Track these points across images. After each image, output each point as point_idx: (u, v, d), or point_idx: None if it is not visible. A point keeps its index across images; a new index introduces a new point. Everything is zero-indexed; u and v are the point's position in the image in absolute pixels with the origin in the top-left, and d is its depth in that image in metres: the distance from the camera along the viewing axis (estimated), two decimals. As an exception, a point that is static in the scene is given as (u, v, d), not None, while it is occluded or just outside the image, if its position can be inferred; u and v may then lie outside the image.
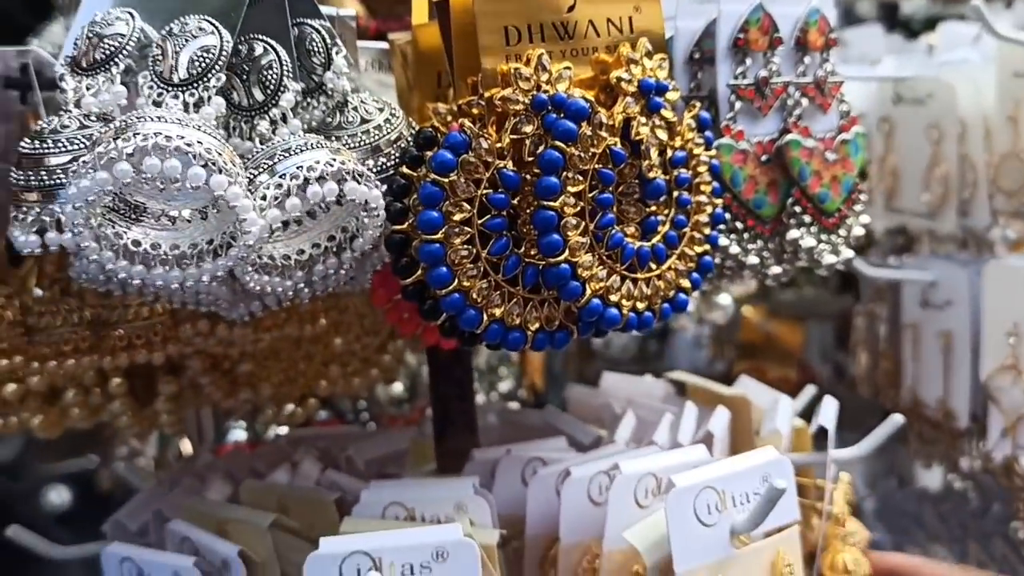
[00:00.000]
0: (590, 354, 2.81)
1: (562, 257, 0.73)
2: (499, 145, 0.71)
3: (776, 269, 0.91)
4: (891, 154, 1.50)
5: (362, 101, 0.76)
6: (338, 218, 0.73)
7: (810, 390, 1.30)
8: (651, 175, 0.75)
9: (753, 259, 0.89)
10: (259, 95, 0.73)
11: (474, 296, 0.72)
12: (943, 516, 1.54)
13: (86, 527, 1.05)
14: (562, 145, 0.71)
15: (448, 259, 0.71)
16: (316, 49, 0.75)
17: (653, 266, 0.78)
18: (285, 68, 0.73)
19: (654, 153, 0.75)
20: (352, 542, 0.74)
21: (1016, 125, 1.32)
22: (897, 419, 1.01)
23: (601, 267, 0.75)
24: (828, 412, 1.03)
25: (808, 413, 1.25)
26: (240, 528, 0.89)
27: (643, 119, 0.75)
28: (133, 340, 0.92)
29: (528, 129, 0.71)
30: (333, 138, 0.73)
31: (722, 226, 0.85)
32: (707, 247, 0.81)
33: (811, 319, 2.23)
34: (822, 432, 1.06)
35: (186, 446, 1.74)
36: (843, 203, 0.93)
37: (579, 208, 0.73)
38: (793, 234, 0.90)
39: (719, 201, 0.82)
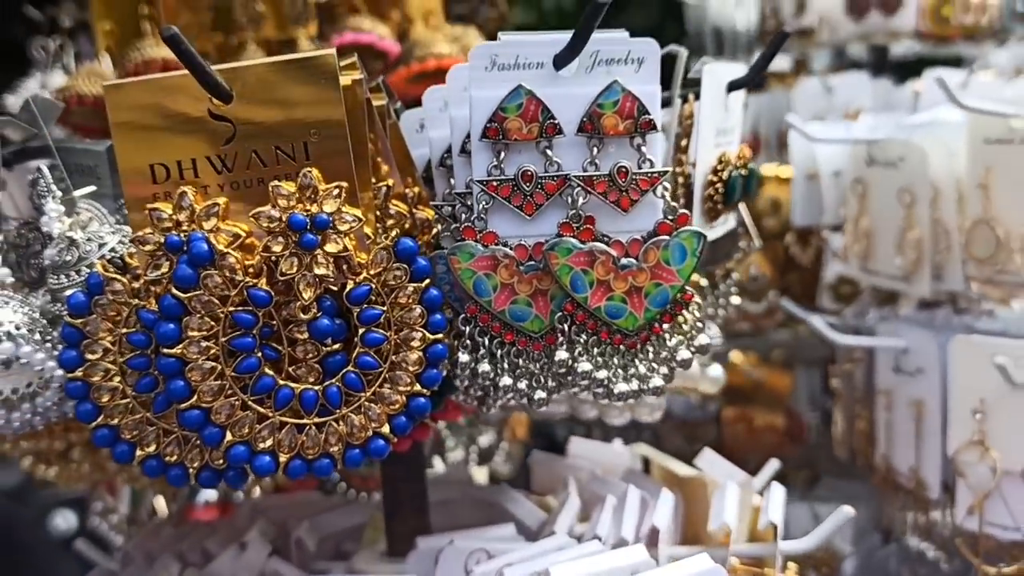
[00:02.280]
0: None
1: (191, 403, 0.71)
2: (134, 286, 0.73)
3: (541, 394, 0.78)
4: (864, 216, 1.48)
5: (89, 234, 0.78)
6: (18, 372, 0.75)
7: (773, 464, 1.28)
8: (307, 316, 0.72)
9: (506, 380, 0.78)
10: None
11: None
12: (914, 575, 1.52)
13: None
14: (177, 292, 0.70)
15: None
16: (39, 193, 0.78)
17: (340, 410, 0.74)
18: None
19: (307, 292, 0.71)
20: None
21: (987, 192, 1.30)
22: (847, 511, 0.99)
23: (246, 412, 0.73)
24: (775, 502, 1.01)
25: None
26: None
27: (293, 258, 0.71)
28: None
29: (164, 269, 0.71)
30: (72, 273, 0.75)
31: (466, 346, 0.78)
32: (417, 387, 0.76)
33: (799, 365, 2.21)
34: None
35: (159, 503, 1.74)
36: (653, 319, 0.78)
37: (213, 352, 0.71)
38: (560, 355, 0.77)
39: (438, 336, 0.76)
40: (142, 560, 1.11)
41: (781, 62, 2.50)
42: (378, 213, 0.78)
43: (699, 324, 0.82)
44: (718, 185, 0.93)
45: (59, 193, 0.78)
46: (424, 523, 1.10)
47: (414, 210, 0.82)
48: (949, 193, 1.36)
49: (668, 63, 1.00)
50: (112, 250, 0.76)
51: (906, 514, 1.44)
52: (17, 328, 0.72)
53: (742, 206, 1.15)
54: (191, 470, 0.74)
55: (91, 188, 0.82)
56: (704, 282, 1.17)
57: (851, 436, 1.58)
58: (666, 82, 0.98)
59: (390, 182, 0.79)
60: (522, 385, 0.79)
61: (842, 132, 1.53)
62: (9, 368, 0.75)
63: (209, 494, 1.67)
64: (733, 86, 0.96)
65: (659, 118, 0.78)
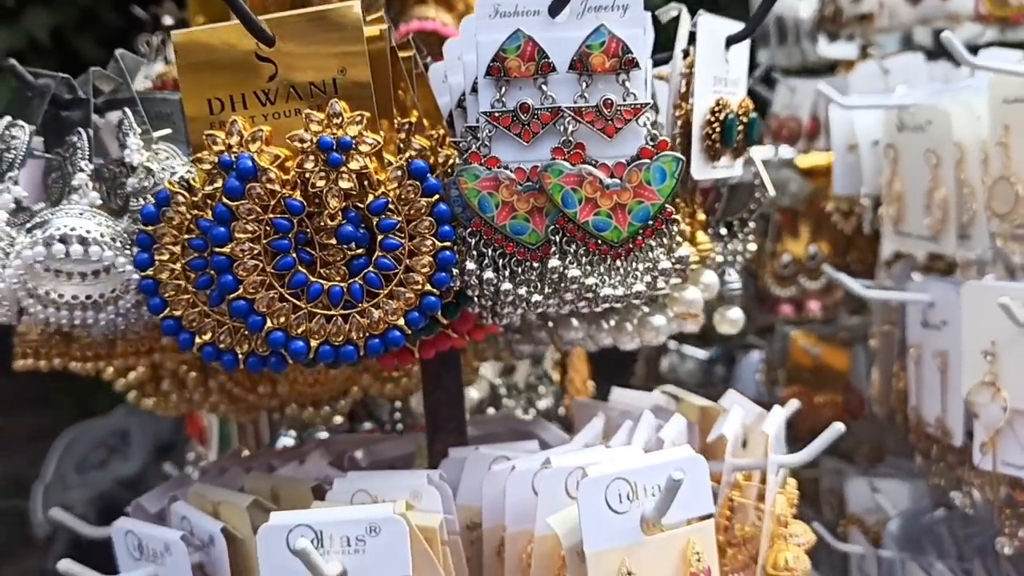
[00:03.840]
0: (658, 377, 2.89)
1: (237, 294, 0.85)
2: (194, 199, 0.88)
3: (538, 297, 0.90)
4: (896, 180, 1.55)
5: (164, 164, 0.93)
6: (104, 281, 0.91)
7: (793, 404, 1.36)
8: (334, 223, 0.86)
9: (507, 286, 0.89)
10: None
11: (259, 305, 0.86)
12: (953, 533, 1.57)
13: (17, 565, 1.19)
14: (227, 202, 0.84)
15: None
16: (123, 131, 0.93)
17: (362, 304, 0.87)
18: (81, 152, 0.93)
19: (333, 202, 0.85)
20: (297, 516, 0.86)
21: (1007, 150, 1.35)
22: (838, 427, 1.07)
23: (284, 304, 0.86)
24: (773, 419, 1.10)
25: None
26: (227, 509, 1.02)
27: (322, 173, 0.85)
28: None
29: (218, 184, 0.86)
30: (149, 196, 0.91)
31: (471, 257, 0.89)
32: (428, 287, 0.88)
33: (858, 344, 2.26)
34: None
35: (244, 451, 1.91)
36: (636, 233, 0.89)
37: (256, 252, 0.85)
38: (553, 263, 0.88)
39: (446, 244, 0.88)
40: (216, 473, 1.26)
41: (847, 49, 2.55)
42: (400, 145, 0.91)
43: (679, 239, 0.92)
44: (715, 125, 1.03)
45: (140, 130, 0.93)
46: (463, 443, 1.22)
47: (439, 148, 0.95)
48: (974, 154, 1.42)
49: (674, 23, 1.11)
50: (181, 177, 0.90)
51: (939, 465, 1.50)
52: (102, 236, 0.88)
53: (757, 159, 1.25)
54: (240, 355, 0.88)
55: (167, 131, 0.98)
56: (724, 230, 1.28)
57: (889, 395, 1.64)
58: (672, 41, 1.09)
59: (413, 118, 0.92)
60: (521, 291, 0.90)
61: (874, 100, 1.60)
62: (98, 277, 0.90)
63: (287, 441, 1.84)
64: (732, 40, 1.07)
65: (643, 58, 0.89)
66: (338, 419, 1.95)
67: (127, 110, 0.95)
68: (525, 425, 1.33)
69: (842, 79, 2.29)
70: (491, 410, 1.82)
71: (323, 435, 1.79)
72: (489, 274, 0.90)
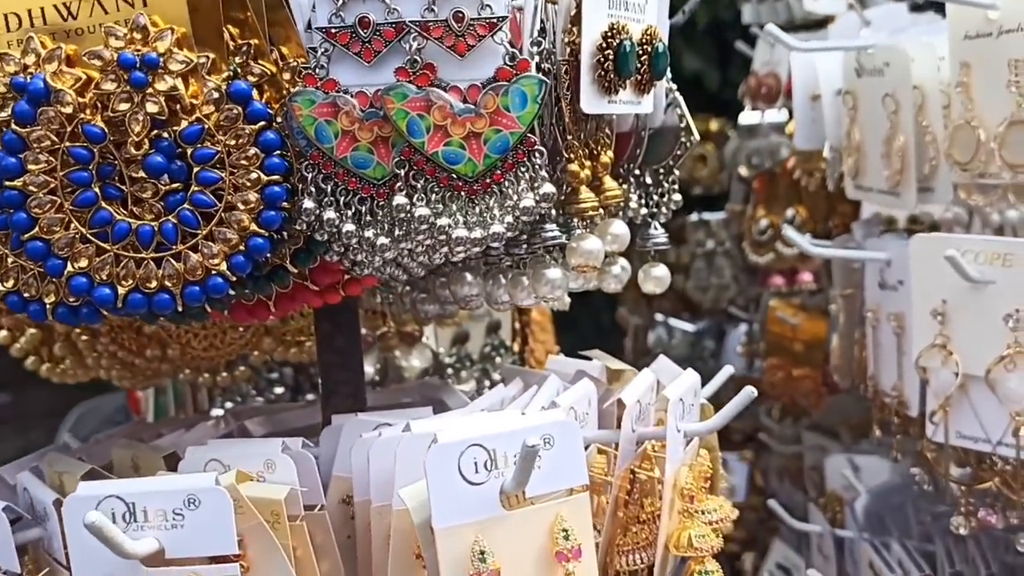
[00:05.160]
0: (647, 351, 2.79)
1: (32, 234, 0.75)
2: None
3: (383, 240, 0.80)
4: (855, 129, 1.43)
5: None
6: None
7: (728, 369, 1.24)
8: (140, 152, 0.75)
9: (350, 226, 0.80)
10: None
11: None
12: (919, 514, 1.45)
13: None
14: (18, 128, 0.74)
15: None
16: None
17: (176, 246, 0.77)
18: None
19: (137, 128, 0.75)
20: (105, 487, 0.77)
21: (967, 91, 1.23)
22: (750, 391, 0.96)
23: (86, 245, 0.76)
24: (680, 383, 0.99)
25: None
26: (68, 480, 0.93)
27: (124, 95, 0.74)
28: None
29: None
30: None
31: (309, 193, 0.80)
32: (254, 227, 0.78)
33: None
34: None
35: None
36: (493, 166, 0.79)
37: (52, 186, 0.75)
38: (398, 200, 0.78)
39: (274, 177, 0.78)
40: (107, 443, 1.17)
41: (834, 4, 2.41)
42: (238, 69, 0.80)
43: (543, 173, 0.81)
44: (608, 52, 0.92)
45: None
46: (359, 410, 1.12)
47: (297, 79, 0.84)
48: (935, 98, 1.30)
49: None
50: None
51: (898, 438, 1.38)
52: None
53: (681, 102, 1.13)
54: (48, 305, 0.78)
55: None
56: (648, 180, 1.17)
57: (851, 363, 1.52)
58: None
59: (254, 41, 0.82)
60: (367, 233, 0.80)
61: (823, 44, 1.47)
62: None
63: (218, 412, 1.75)
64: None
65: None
66: (279, 390, 1.88)
67: None
68: (434, 392, 1.23)
69: (824, 33, 2.16)
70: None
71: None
72: (330, 213, 0.80)
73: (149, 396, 1.86)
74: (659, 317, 2.82)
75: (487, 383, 1.90)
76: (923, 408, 1.27)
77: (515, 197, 0.80)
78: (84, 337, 1.24)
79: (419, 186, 0.79)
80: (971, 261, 1.10)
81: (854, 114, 1.42)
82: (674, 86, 1.12)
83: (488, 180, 0.80)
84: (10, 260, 0.78)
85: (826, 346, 2.17)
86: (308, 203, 0.80)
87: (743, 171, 2.32)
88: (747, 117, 2.34)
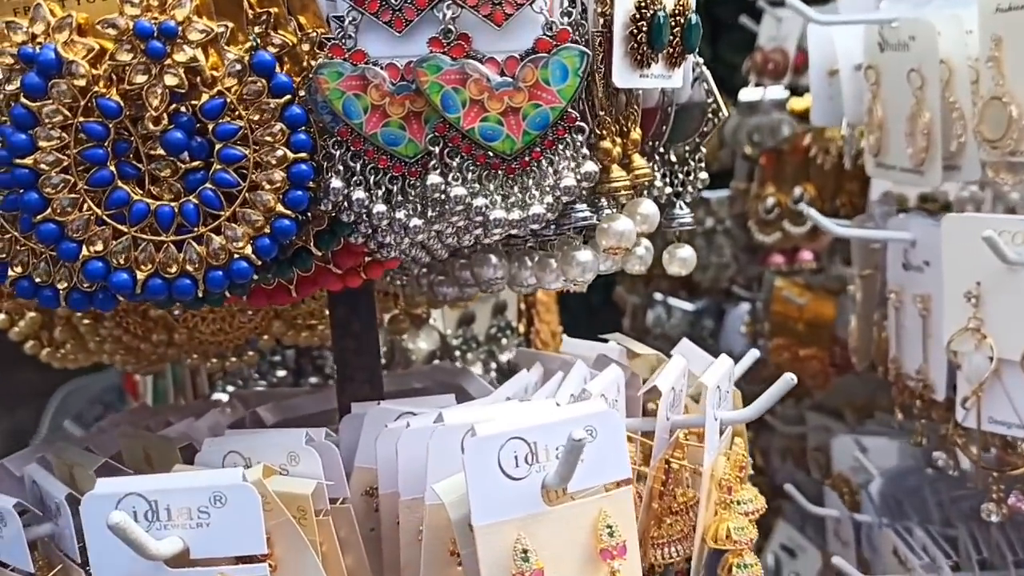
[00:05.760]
0: (645, 331, 2.75)
1: (45, 215, 0.70)
2: None
3: (416, 221, 0.75)
4: (878, 105, 1.39)
5: None
6: None
7: (753, 353, 1.21)
8: (158, 128, 0.70)
9: (381, 207, 0.75)
10: None
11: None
12: (939, 498, 1.43)
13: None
14: (28, 102, 0.69)
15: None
16: None
17: (198, 228, 0.72)
18: None
19: (155, 102, 0.70)
20: (126, 484, 0.72)
21: (999, 66, 1.19)
22: (789, 378, 0.92)
23: (102, 227, 0.71)
24: (716, 369, 0.95)
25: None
26: (80, 472, 0.88)
27: (141, 67, 0.69)
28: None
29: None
30: None
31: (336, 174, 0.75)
32: (280, 208, 0.73)
33: (846, 293, 2.11)
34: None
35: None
36: (532, 143, 0.74)
37: (65, 164, 0.70)
38: (432, 179, 0.74)
39: (301, 155, 0.73)
40: (106, 430, 1.13)
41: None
42: (258, 40, 0.76)
43: (585, 151, 0.77)
44: (641, 24, 0.87)
45: None
46: (377, 397, 1.08)
47: (317, 51, 0.80)
48: (962, 73, 1.26)
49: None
50: None
51: (921, 422, 1.35)
52: None
53: (708, 76, 1.09)
54: (61, 291, 0.74)
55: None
56: (673, 157, 1.12)
57: (870, 345, 1.49)
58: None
59: (273, 10, 0.77)
60: (399, 214, 0.76)
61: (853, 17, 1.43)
62: None
63: (222, 396, 1.71)
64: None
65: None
66: (281, 373, 1.83)
67: None
68: (452, 377, 1.19)
69: (834, 7, 2.12)
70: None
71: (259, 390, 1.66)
72: (359, 193, 0.75)
73: (147, 379, 1.81)
74: (657, 296, 2.79)
75: (494, 365, 1.86)
76: (949, 392, 1.24)
77: (555, 176, 0.76)
78: (86, 321, 1.19)
79: (454, 164, 0.75)
80: (1008, 241, 1.07)
81: (876, 90, 1.38)
82: (700, 60, 1.08)
83: (527, 158, 0.75)
84: (20, 244, 0.73)
85: (833, 326, 2.15)
86: (336, 182, 0.75)
87: (747, 149, 2.28)
88: (748, 94, 2.30)
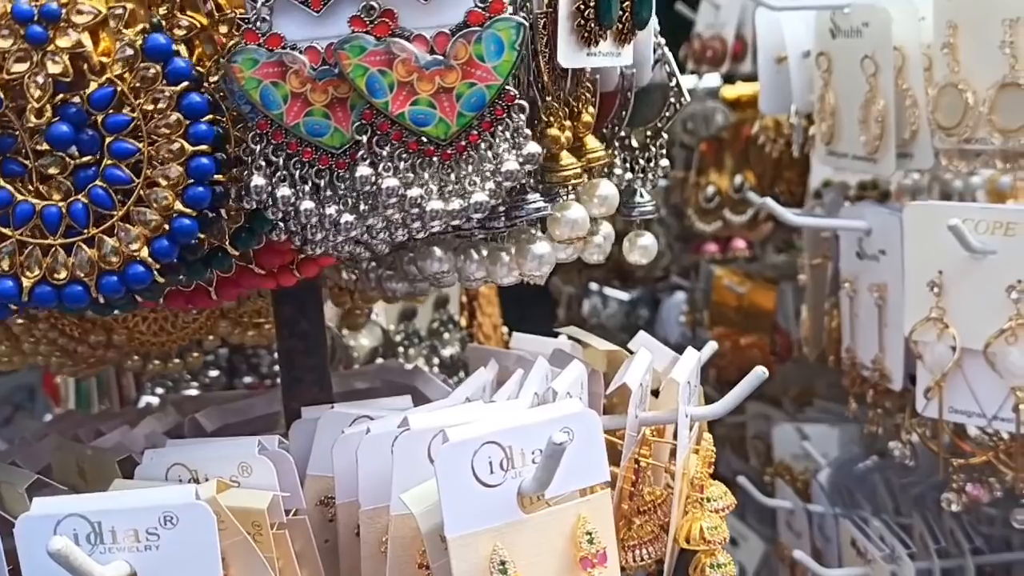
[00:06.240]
0: (581, 322, 2.72)
1: None
2: None
3: (348, 217, 0.70)
4: (829, 93, 1.37)
5: None
6: None
7: (712, 345, 1.18)
8: (41, 120, 0.64)
9: (309, 204, 0.69)
10: None
11: None
12: (890, 487, 1.42)
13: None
14: None
15: None
16: None
17: (89, 230, 0.67)
18: None
19: (37, 92, 0.64)
20: (66, 504, 0.66)
21: (954, 52, 1.19)
22: (760, 372, 0.90)
23: None
24: (684, 364, 0.92)
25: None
26: (7, 491, 0.81)
27: (20, 54, 0.63)
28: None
29: None
30: None
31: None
32: (179, 206, 0.67)
33: (785, 282, 2.10)
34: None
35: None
36: (468, 125, 0.69)
37: None
38: (362, 171, 0.68)
39: (202, 147, 0.67)
40: (32, 441, 1.05)
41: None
42: (161, 22, 0.69)
43: (526, 131, 0.73)
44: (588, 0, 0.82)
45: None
46: (326, 400, 1.02)
47: (235, 33, 0.73)
48: (916, 60, 1.25)
49: None
50: None
51: (875, 411, 1.34)
52: None
53: (670, 58, 1.06)
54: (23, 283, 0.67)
55: None
56: (634, 143, 1.08)
57: (821, 334, 1.48)
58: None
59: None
60: (330, 211, 0.70)
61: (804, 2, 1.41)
62: None
63: (151, 399, 1.62)
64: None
65: None
66: (214, 373, 1.75)
67: None
68: (404, 377, 1.14)
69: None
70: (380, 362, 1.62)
71: (192, 392, 1.58)
72: (284, 190, 0.69)
73: (69, 381, 1.72)
74: (593, 286, 2.77)
75: (436, 360, 1.81)
76: (908, 383, 1.24)
77: (495, 160, 0.71)
78: (20, 321, 1.10)
79: (384, 153, 0.69)
80: (971, 230, 1.06)
81: (828, 77, 1.37)
82: (662, 40, 1.04)
83: (463, 142, 0.70)
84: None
85: (772, 314, 2.15)
86: (258, 180, 0.69)
87: (685, 138, 2.26)
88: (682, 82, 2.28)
